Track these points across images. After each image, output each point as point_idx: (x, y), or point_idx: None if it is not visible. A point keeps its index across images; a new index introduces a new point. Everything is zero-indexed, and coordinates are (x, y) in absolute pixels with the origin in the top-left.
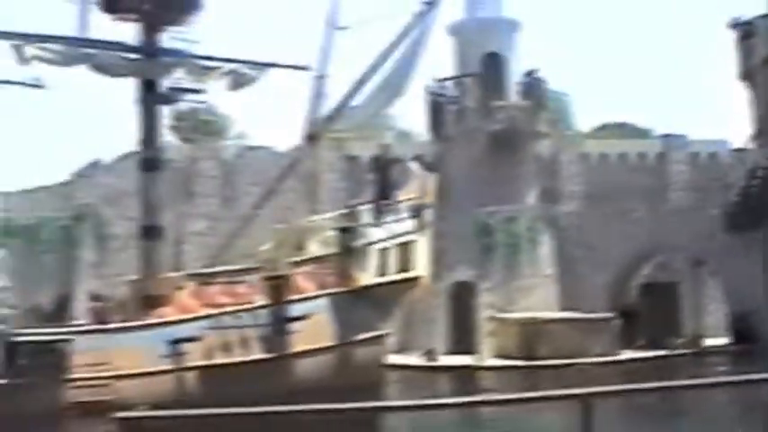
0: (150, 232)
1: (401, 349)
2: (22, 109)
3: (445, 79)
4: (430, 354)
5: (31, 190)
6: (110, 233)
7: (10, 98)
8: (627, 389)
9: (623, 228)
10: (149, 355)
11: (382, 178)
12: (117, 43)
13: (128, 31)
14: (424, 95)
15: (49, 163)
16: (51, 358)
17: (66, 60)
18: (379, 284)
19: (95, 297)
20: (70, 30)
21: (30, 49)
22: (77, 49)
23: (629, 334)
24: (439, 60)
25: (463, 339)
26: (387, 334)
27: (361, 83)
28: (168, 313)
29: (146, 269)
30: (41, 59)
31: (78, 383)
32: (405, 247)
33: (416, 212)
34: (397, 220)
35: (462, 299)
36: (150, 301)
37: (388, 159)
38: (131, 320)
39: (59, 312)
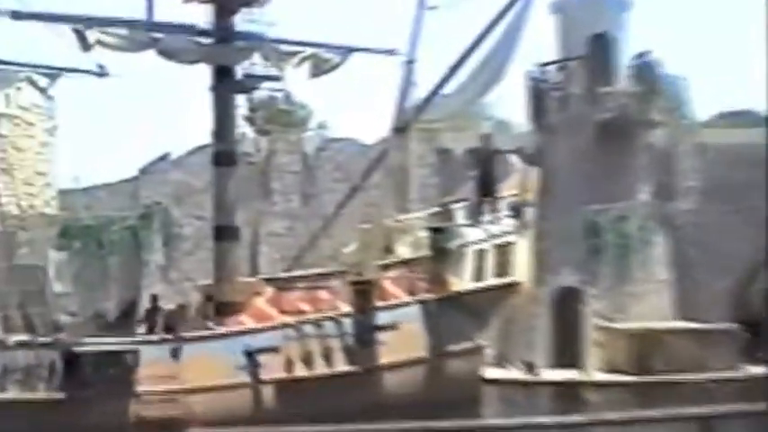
0: (224, 233)
1: (499, 362)
2: (84, 99)
3: (548, 63)
4: (530, 367)
5: (94, 187)
6: (179, 234)
7: (71, 87)
8: (752, 410)
9: (745, 227)
10: (223, 367)
11: (483, 172)
12: (187, 26)
13: (198, 14)
14: (525, 81)
15: (113, 158)
16: (116, 370)
17: (132, 46)
18: (476, 290)
19: (154, 301)
20: (136, 13)
21: (93, 34)
22: (144, 34)
23: (753, 346)
24: (540, 42)
25: (567, 351)
26: (483, 345)
27: (454, 68)
28: (244, 321)
29: (219, 273)
30: (105, 45)
31: (145, 398)
32: (504, 250)
33: (516, 210)
34: (495, 220)
35: (567, 306)
36: (224, 308)
37: (490, 151)
38: (203, 329)
39: (125, 320)
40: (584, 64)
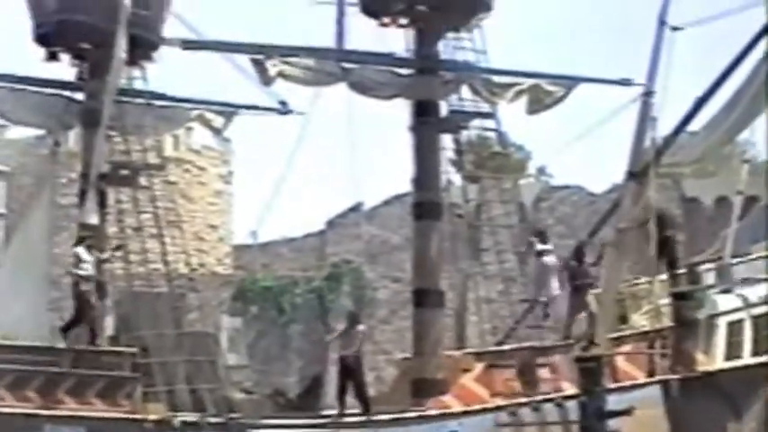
0: (426, 298)
1: None
2: (264, 141)
3: None
4: None
5: (274, 243)
6: (373, 298)
7: (250, 128)
8: None
9: None
10: None
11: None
12: (384, 55)
13: (397, 40)
14: None
15: (297, 209)
16: None
17: (319, 78)
18: (730, 370)
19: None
20: (324, 40)
21: (274, 66)
22: (333, 64)
23: None
24: None
25: None
26: None
27: (703, 100)
28: (449, 403)
29: (420, 345)
30: (288, 78)
31: None
32: (764, 320)
33: None
34: (752, 283)
35: None
36: (425, 387)
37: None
38: (402, 411)
39: (309, 398)
40: None
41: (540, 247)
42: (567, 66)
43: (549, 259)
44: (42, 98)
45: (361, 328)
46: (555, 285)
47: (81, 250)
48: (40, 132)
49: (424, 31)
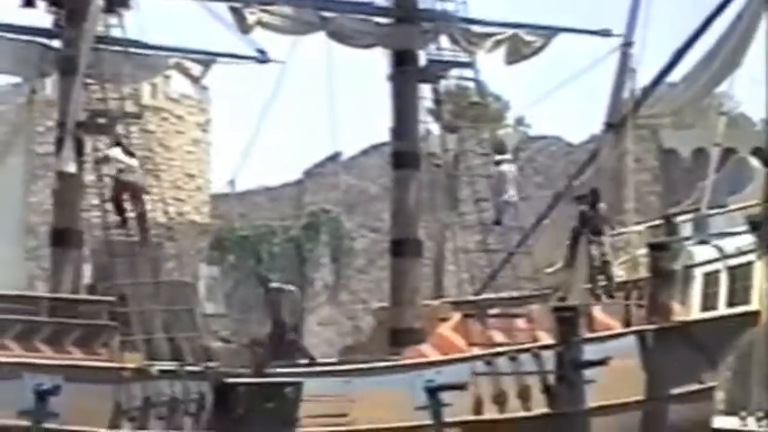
0: (404, 247)
1: (731, 409)
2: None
3: None
4: None
5: (252, 192)
6: (351, 248)
7: (227, 76)
8: None
9: None
10: (400, 405)
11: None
12: (362, 4)
13: None
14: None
15: (274, 158)
16: (275, 406)
17: (297, 27)
18: (705, 320)
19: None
20: None
21: (253, 14)
22: (312, 13)
23: None
24: None
25: None
26: (714, 387)
27: (682, 52)
28: (426, 352)
29: (397, 295)
30: (267, 26)
31: None
32: (740, 272)
33: (755, 225)
34: (729, 235)
35: None
36: (402, 337)
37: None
38: (378, 360)
39: (286, 347)
40: None
41: (497, 157)
42: (546, 16)
43: (507, 167)
44: (18, 45)
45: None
46: (512, 192)
47: (117, 152)
48: (16, 80)
49: None
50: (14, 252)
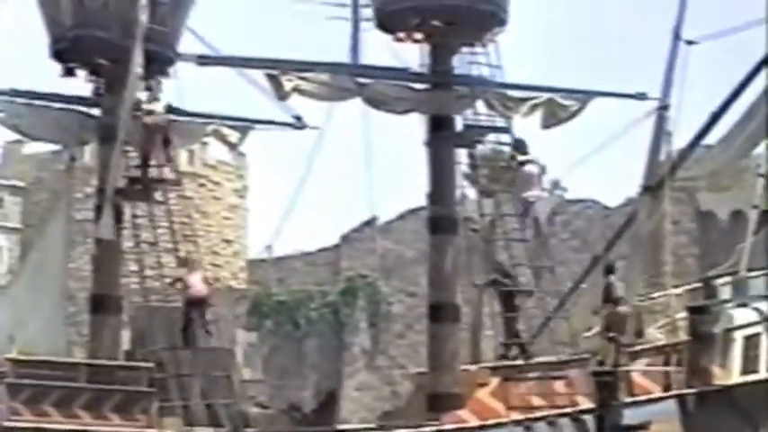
0: (441, 312)
1: None
2: (278, 157)
3: None
4: None
5: (289, 257)
6: (388, 313)
7: (264, 143)
8: None
9: None
10: None
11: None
12: (399, 70)
13: (412, 55)
14: None
15: (311, 224)
16: None
17: (334, 93)
18: (746, 384)
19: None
20: (339, 55)
21: (289, 81)
22: (348, 79)
23: None
24: None
25: None
26: None
27: (718, 114)
28: (464, 418)
29: (435, 360)
30: (303, 93)
31: None
32: None
33: None
34: None
35: None
36: (441, 402)
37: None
38: (416, 426)
39: (324, 413)
40: None
41: (521, 157)
42: (581, 80)
43: (531, 167)
44: (59, 113)
45: None
46: (536, 192)
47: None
48: (57, 147)
49: (438, 46)
50: (54, 318)
